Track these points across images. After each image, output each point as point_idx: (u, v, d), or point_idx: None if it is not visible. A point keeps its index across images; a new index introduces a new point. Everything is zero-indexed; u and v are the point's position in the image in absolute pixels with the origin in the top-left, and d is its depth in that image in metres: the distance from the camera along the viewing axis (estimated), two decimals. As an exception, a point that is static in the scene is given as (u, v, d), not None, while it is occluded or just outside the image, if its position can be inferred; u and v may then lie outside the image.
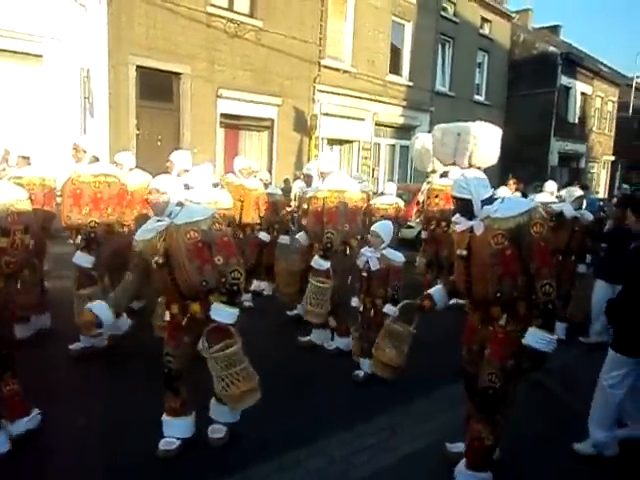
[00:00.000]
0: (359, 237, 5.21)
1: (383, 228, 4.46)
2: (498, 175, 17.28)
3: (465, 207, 2.86)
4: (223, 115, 11.69)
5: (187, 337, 3.22)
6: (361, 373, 4.43)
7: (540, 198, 7.51)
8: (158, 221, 3.16)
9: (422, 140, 8.86)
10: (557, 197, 7.74)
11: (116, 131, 9.87)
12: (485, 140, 8.85)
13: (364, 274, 4.45)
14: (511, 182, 10.97)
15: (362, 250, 4.52)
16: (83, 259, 4.37)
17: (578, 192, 6.19)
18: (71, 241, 4.58)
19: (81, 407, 3.63)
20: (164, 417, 3.29)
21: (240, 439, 3.43)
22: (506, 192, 6.70)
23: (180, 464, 3.19)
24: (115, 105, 9.92)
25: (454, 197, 2.91)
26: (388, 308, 4.23)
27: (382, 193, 8.59)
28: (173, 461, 3.20)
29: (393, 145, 16.86)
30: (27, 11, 8.63)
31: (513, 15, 21.91)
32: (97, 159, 4.91)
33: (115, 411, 3.61)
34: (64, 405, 3.62)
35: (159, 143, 10.59)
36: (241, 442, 3.40)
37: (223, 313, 3.07)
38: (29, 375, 3.49)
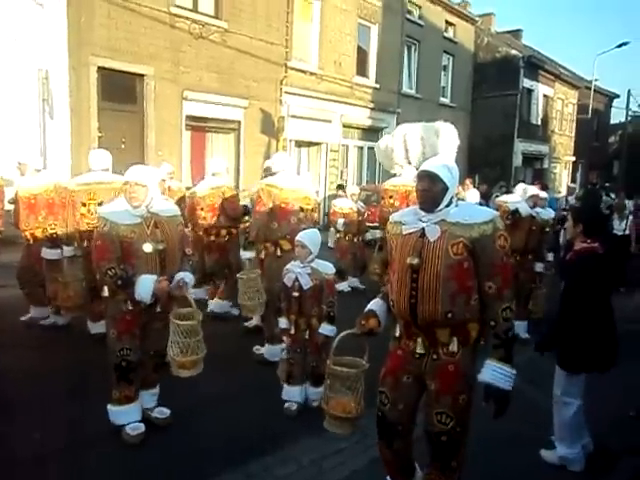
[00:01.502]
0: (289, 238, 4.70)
1: (310, 237, 3.94)
2: (465, 176, 17.54)
3: (437, 194, 2.34)
4: (189, 117, 11.51)
5: (138, 329, 3.44)
6: (293, 406, 3.93)
7: (511, 199, 7.66)
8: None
9: (386, 140, 8.91)
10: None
11: (78, 134, 9.60)
12: (447, 140, 8.97)
13: (294, 293, 3.91)
14: (467, 182, 11.19)
15: (287, 266, 4.03)
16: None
17: (532, 190, 6.30)
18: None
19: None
20: (114, 407, 3.42)
21: (207, 447, 3.37)
22: (475, 197, 6.69)
23: (145, 472, 3.10)
24: (76, 107, 9.64)
25: (428, 176, 2.35)
26: (324, 328, 3.85)
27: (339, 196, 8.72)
28: (139, 469, 3.12)
29: (361, 147, 16.93)
30: (-19, 10, 8.35)
31: (477, 19, 22.30)
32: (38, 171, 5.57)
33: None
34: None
35: (123, 146, 10.34)
36: (208, 450, 3.33)
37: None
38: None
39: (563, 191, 21.27)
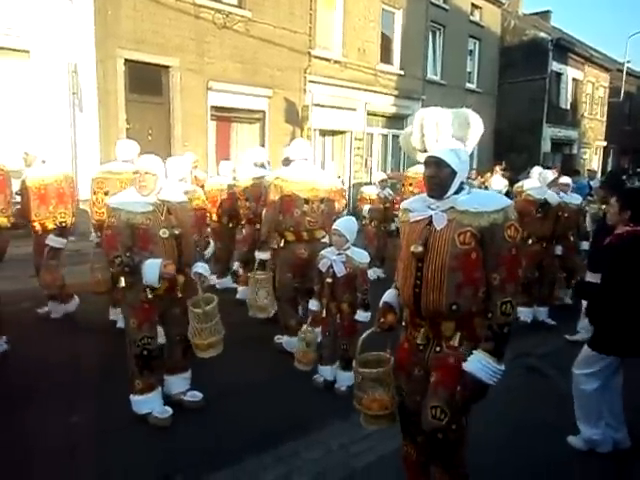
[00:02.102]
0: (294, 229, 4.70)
1: (346, 225, 4.01)
2: (492, 162, 17.29)
3: (445, 180, 2.24)
4: (214, 108, 11.60)
5: (157, 317, 3.56)
6: (321, 378, 4.18)
7: (528, 184, 7.53)
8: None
9: (409, 127, 8.86)
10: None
11: (106, 126, 9.78)
12: (465, 127, 8.85)
13: (328, 280, 4.00)
14: (498, 168, 11.02)
15: (323, 252, 4.11)
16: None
17: (549, 174, 6.17)
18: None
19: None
20: (137, 397, 3.51)
21: (236, 431, 3.44)
22: (500, 183, 6.58)
23: (176, 455, 3.19)
24: (104, 99, 9.82)
25: (434, 162, 2.26)
26: (360, 315, 3.96)
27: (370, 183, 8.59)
28: (169, 452, 3.21)
29: (385, 135, 16.80)
30: (12, 6, 8.51)
31: (503, 1, 21.79)
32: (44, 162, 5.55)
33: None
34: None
35: (150, 137, 10.50)
36: (237, 434, 3.41)
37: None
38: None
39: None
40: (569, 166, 21.69)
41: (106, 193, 4.89)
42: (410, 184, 7.00)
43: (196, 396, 3.77)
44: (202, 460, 3.16)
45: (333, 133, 15.09)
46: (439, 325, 2.27)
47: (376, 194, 8.31)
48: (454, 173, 2.24)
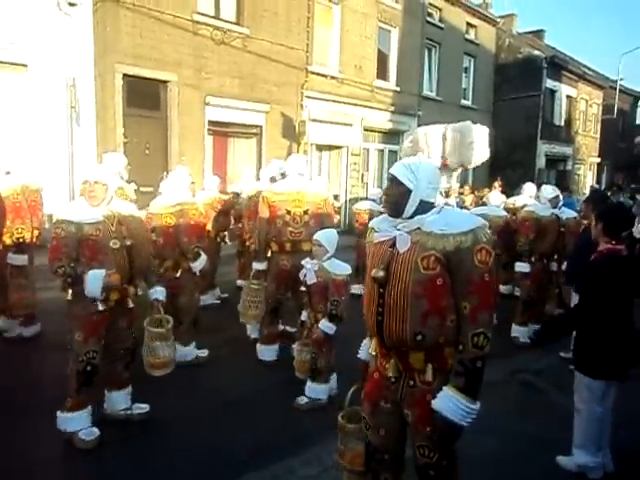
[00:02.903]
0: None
1: (326, 236, 4.03)
2: (487, 178, 17.44)
3: (398, 199, 2.11)
4: (211, 122, 11.67)
5: (103, 329, 3.44)
6: (303, 400, 4.06)
7: (520, 201, 7.58)
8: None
9: (410, 139, 9.02)
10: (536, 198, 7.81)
11: (103, 140, 9.81)
12: (479, 139, 8.99)
13: (302, 287, 4.15)
14: (497, 184, 11.15)
15: (303, 261, 4.15)
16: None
17: (552, 193, 6.13)
18: None
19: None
20: (65, 414, 3.36)
21: (231, 449, 3.41)
22: (498, 199, 6.60)
23: (171, 474, 3.16)
24: (102, 114, 9.87)
25: (390, 179, 2.16)
26: (322, 324, 3.90)
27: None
28: (164, 471, 3.18)
29: (382, 150, 16.91)
30: (11, 20, 8.58)
31: (498, 20, 22.11)
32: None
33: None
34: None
35: (147, 151, 10.54)
36: (232, 452, 3.38)
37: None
38: None
39: (587, 193, 20.92)
40: (564, 182, 21.86)
41: None
42: None
43: (142, 408, 3.71)
44: (198, 476, 3.13)
45: (330, 148, 15.18)
46: (407, 356, 2.09)
47: (367, 208, 8.19)
48: (409, 191, 2.09)
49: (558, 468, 3.33)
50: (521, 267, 5.85)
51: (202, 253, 4.79)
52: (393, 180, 2.14)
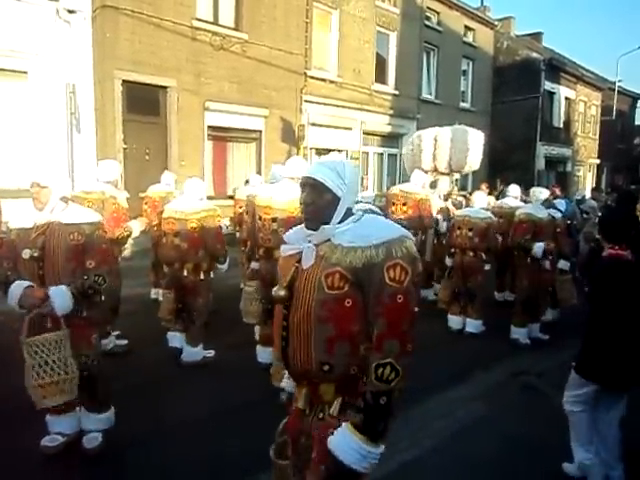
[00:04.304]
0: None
1: None
2: (486, 180, 17.44)
3: (323, 208, 1.80)
4: (211, 127, 11.70)
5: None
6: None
7: (505, 203, 7.60)
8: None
9: (411, 143, 9.05)
10: (523, 200, 7.85)
11: (103, 146, 9.84)
12: (462, 143, 9.00)
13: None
14: (483, 186, 11.26)
15: None
16: None
17: (544, 194, 6.22)
18: None
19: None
20: (52, 417, 3.30)
21: (235, 453, 3.41)
22: (483, 200, 6.55)
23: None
24: (102, 120, 9.90)
25: (311, 184, 1.81)
26: None
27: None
28: (165, 477, 3.17)
29: (381, 154, 16.95)
30: (11, 27, 8.62)
31: (496, 23, 22.19)
32: None
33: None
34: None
35: (147, 157, 10.57)
36: (236, 456, 3.37)
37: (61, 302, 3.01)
38: None
39: (587, 194, 20.96)
40: (563, 184, 21.90)
41: None
42: (404, 203, 7.02)
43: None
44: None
45: (329, 152, 15.19)
46: (317, 387, 1.81)
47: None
48: (337, 199, 1.80)
49: (559, 471, 3.32)
50: (538, 248, 5.69)
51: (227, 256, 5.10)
52: (316, 186, 1.80)
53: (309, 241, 1.82)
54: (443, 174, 9.38)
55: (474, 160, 9.16)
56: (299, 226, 1.94)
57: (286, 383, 2.11)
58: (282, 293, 1.82)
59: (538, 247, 5.68)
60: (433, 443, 3.57)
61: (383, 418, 1.68)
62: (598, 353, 3.01)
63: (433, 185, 9.12)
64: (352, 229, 1.76)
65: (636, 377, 2.99)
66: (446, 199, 8.76)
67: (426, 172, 8.63)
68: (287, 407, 2.07)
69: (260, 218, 4.63)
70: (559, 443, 3.46)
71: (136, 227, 5.27)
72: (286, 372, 2.02)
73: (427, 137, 9.31)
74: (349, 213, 1.83)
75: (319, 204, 1.79)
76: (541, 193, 6.16)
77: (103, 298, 3.37)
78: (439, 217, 7.44)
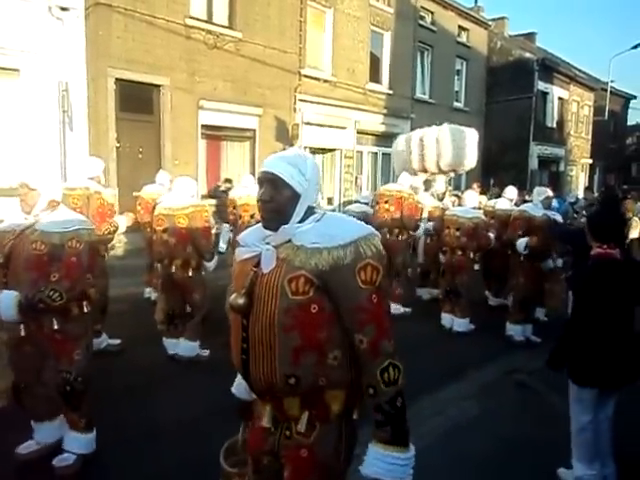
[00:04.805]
0: None
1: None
2: (480, 180, 17.51)
3: (284, 206, 1.66)
4: (204, 126, 11.66)
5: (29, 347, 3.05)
6: None
7: (500, 204, 7.62)
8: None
9: (400, 143, 9.01)
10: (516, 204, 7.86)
11: (96, 144, 9.77)
12: (450, 143, 8.95)
13: None
14: (474, 186, 11.31)
15: None
16: None
17: (547, 192, 6.26)
18: None
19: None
20: (33, 424, 3.23)
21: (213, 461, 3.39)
22: (474, 199, 6.58)
23: None
24: (94, 118, 9.84)
25: (270, 180, 1.68)
26: None
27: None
28: (158, 477, 3.16)
29: (375, 153, 16.97)
30: (3, 24, 8.55)
31: (489, 23, 22.26)
32: None
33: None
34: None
35: (140, 155, 10.52)
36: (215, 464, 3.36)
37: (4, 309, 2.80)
38: None
39: (580, 194, 21.09)
40: (556, 183, 22.02)
41: None
42: (386, 202, 7.02)
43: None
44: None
45: (323, 151, 15.21)
46: (281, 401, 1.68)
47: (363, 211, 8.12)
48: (297, 196, 1.67)
49: (552, 469, 3.33)
50: (521, 243, 5.77)
51: (215, 254, 5.06)
52: (275, 182, 1.66)
53: (267, 243, 1.68)
54: (437, 174, 9.36)
55: (471, 159, 9.17)
56: (255, 226, 1.82)
57: (237, 389, 2.00)
58: (241, 301, 1.65)
59: (520, 242, 5.77)
60: (426, 442, 3.56)
61: (405, 420, 1.63)
62: (592, 356, 2.97)
63: (427, 185, 9.10)
64: (314, 228, 1.64)
65: (628, 375, 2.99)
66: (441, 199, 8.76)
67: (415, 173, 8.60)
68: (241, 415, 1.98)
69: (240, 217, 4.64)
70: (552, 441, 3.49)
71: (122, 222, 5.22)
72: (238, 377, 1.91)
73: (414, 138, 9.30)
74: (310, 212, 1.70)
75: (279, 201, 1.66)
76: (539, 194, 6.20)
77: (87, 310, 3.11)
78: (420, 224, 7.25)
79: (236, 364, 1.75)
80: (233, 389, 2.02)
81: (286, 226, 1.65)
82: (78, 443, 3.19)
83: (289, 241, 1.64)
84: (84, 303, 3.09)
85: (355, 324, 1.58)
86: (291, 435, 1.69)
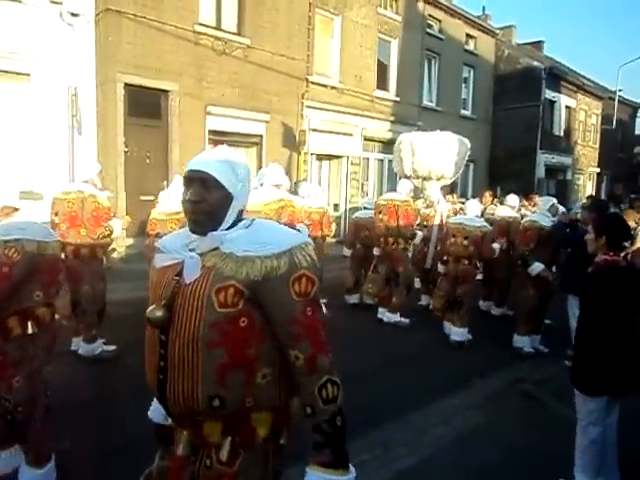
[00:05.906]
0: None
1: None
2: (487, 189, 17.51)
3: (215, 208, 1.53)
4: (212, 132, 11.72)
5: None
6: None
7: (501, 212, 7.56)
8: None
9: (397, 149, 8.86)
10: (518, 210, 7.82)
11: (104, 148, 9.85)
12: (426, 149, 8.67)
13: None
14: (487, 194, 11.22)
15: None
16: None
17: (552, 201, 6.24)
18: None
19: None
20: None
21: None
22: (476, 208, 6.50)
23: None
24: (103, 123, 9.92)
25: (199, 179, 1.54)
26: None
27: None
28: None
29: (381, 160, 16.97)
30: (14, 30, 8.64)
31: (497, 31, 22.29)
32: None
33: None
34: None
35: (148, 160, 10.58)
36: None
37: None
38: None
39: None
40: (563, 192, 21.94)
41: (56, 214, 4.86)
42: (379, 212, 6.94)
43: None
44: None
45: (330, 158, 15.24)
46: (201, 426, 1.53)
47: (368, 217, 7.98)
48: (229, 197, 1.55)
49: (557, 479, 3.30)
50: (536, 268, 5.65)
51: None
52: (207, 181, 1.52)
53: (191, 249, 1.54)
54: (427, 180, 8.91)
55: (447, 168, 8.59)
56: (179, 231, 1.70)
57: (153, 413, 1.81)
58: (159, 314, 1.48)
59: (537, 267, 5.64)
60: (431, 451, 3.55)
61: (345, 439, 1.52)
62: (600, 364, 2.95)
63: (418, 192, 8.77)
64: (244, 235, 1.52)
65: (635, 381, 2.98)
66: (428, 206, 8.43)
67: (408, 177, 8.43)
68: (160, 442, 1.79)
69: None
70: (557, 451, 3.45)
71: (117, 226, 5.17)
72: (155, 400, 1.73)
73: (405, 142, 9.12)
74: (239, 217, 1.60)
75: (211, 202, 1.51)
76: (545, 203, 6.19)
77: (33, 331, 2.75)
78: (417, 231, 7.17)
79: (151, 385, 1.57)
80: (149, 413, 1.83)
81: (214, 232, 1.52)
82: (30, 476, 2.90)
83: (216, 248, 1.51)
84: (29, 323, 2.74)
85: (289, 339, 1.47)
86: (212, 464, 1.53)
